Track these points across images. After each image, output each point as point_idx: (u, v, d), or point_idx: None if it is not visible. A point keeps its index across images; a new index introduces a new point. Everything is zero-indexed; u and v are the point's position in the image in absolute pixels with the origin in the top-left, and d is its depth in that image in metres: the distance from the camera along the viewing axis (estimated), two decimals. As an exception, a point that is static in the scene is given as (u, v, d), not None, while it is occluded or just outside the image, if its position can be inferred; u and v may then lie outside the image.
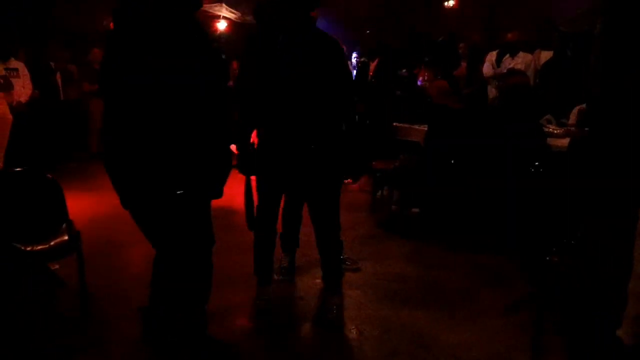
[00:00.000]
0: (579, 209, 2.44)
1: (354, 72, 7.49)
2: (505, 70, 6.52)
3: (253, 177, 3.24)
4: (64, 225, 3.20)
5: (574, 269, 2.58)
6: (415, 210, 5.19)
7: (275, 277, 3.76)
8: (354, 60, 8.59)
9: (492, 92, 6.79)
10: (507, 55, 6.69)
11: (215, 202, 2.61)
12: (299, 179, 3.20)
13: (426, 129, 5.17)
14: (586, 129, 3.40)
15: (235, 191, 3.17)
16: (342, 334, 3.14)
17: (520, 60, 6.57)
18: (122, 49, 2.33)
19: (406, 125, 5.90)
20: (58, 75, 8.21)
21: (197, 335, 2.69)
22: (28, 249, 2.97)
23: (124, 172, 2.41)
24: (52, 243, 3.10)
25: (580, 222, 2.71)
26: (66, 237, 3.14)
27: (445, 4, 9.55)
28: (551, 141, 4.56)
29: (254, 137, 3.27)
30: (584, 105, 5.09)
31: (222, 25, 11.43)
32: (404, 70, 7.22)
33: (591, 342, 2.24)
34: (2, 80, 6.66)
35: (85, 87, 8.45)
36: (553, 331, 2.98)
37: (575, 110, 5.19)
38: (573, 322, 3.01)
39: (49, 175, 3.29)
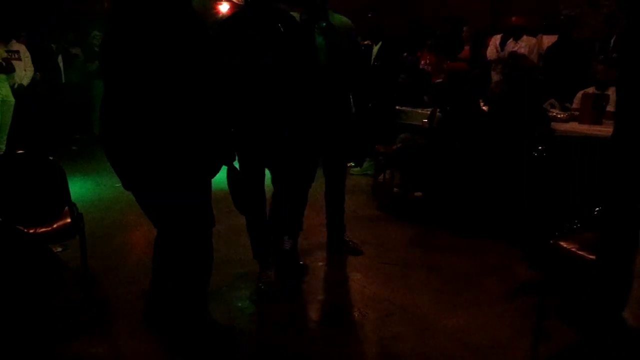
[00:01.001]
0: (601, 193, 2.40)
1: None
2: (507, 54, 6.48)
3: None
4: (66, 208, 3.20)
5: (579, 253, 2.58)
6: (418, 194, 5.18)
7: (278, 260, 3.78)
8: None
9: (494, 76, 6.74)
10: (511, 39, 6.63)
11: (218, 186, 2.61)
12: (280, 158, 3.24)
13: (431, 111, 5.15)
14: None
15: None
16: (344, 317, 3.15)
17: (524, 44, 6.51)
18: (120, 30, 2.32)
19: (409, 109, 5.88)
20: (60, 57, 8.19)
21: (197, 316, 2.69)
22: (31, 231, 2.98)
23: (123, 155, 2.41)
24: (54, 225, 3.10)
25: (586, 206, 2.71)
26: (69, 220, 3.14)
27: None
28: (555, 125, 4.55)
29: None
30: (588, 90, 5.07)
31: (224, 8, 11.36)
32: (405, 54, 7.16)
33: (596, 324, 2.23)
34: (3, 63, 6.65)
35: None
36: (554, 316, 2.99)
37: (579, 95, 5.16)
38: (577, 305, 3.02)
39: (51, 158, 3.28)
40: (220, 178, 2.60)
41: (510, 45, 6.58)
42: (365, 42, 6.61)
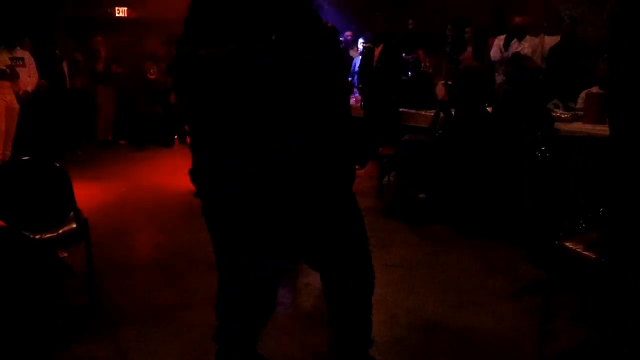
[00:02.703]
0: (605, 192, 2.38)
1: (360, 57, 7.47)
2: (511, 55, 6.47)
3: None
4: (71, 214, 3.21)
5: (584, 253, 2.57)
6: (422, 195, 5.18)
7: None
8: (360, 46, 8.55)
9: (498, 77, 6.72)
10: (515, 40, 6.62)
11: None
12: None
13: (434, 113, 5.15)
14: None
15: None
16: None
17: (527, 45, 6.49)
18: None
19: (412, 111, 5.88)
20: (64, 63, 8.22)
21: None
22: (37, 237, 2.99)
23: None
24: (60, 231, 3.11)
25: (591, 206, 2.70)
26: (74, 225, 3.15)
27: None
28: (559, 125, 4.54)
29: None
30: (592, 89, 5.06)
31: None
32: (403, 55, 7.16)
33: (603, 324, 2.22)
34: (8, 70, 6.68)
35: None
36: (560, 316, 2.98)
37: (582, 94, 5.15)
38: (583, 305, 3.01)
39: (56, 164, 3.30)
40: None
41: (514, 46, 6.56)
42: (367, 45, 6.62)
